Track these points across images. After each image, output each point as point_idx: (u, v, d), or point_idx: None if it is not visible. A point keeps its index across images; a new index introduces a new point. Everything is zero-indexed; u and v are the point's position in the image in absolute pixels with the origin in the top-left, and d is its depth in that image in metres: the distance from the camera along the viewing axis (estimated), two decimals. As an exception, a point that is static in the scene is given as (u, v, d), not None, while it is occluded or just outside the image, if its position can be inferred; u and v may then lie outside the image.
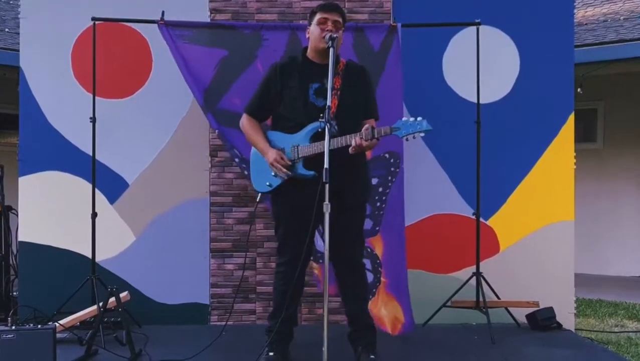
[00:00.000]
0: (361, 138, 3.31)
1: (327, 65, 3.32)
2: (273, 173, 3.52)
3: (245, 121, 3.66)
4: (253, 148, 3.66)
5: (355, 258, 3.62)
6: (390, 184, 4.32)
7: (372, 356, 3.48)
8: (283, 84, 3.53)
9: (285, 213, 3.57)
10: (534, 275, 4.70)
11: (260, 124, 3.66)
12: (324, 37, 3.42)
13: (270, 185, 3.57)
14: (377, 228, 4.32)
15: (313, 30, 3.50)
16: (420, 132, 3.38)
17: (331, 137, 3.25)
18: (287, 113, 3.53)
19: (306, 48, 3.61)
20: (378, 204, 4.32)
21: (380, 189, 4.32)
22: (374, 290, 4.29)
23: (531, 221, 4.78)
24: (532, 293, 4.54)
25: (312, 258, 4.11)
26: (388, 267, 4.31)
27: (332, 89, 3.31)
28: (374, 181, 4.26)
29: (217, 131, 4.42)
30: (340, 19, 3.50)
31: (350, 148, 3.35)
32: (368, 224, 4.21)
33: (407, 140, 3.42)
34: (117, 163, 4.71)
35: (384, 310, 4.27)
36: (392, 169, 4.34)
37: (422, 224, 4.76)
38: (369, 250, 4.26)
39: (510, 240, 4.78)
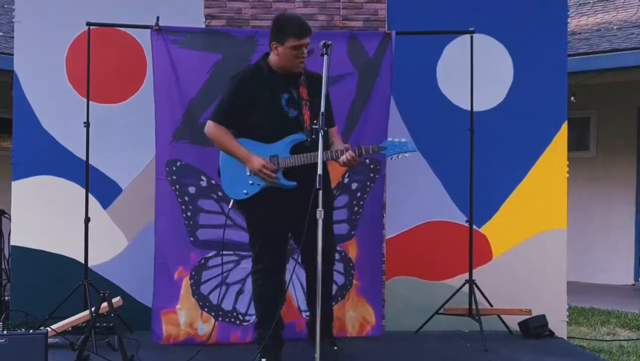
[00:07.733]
0: (352, 154, 3.44)
1: (292, 75, 3.51)
2: (251, 182, 3.53)
3: (214, 129, 3.60)
4: (222, 155, 3.64)
5: (331, 253, 3.68)
6: (368, 189, 4.38)
7: (335, 348, 3.70)
8: (254, 93, 3.54)
9: (263, 221, 3.58)
10: (526, 283, 4.70)
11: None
12: (300, 63, 3.51)
13: (247, 193, 3.56)
14: (353, 232, 4.38)
15: (286, 53, 3.50)
16: (405, 152, 3.56)
17: (310, 147, 3.38)
18: (261, 122, 3.55)
19: (267, 55, 3.62)
20: (356, 208, 4.36)
21: (359, 194, 4.37)
22: (345, 293, 4.36)
23: (524, 229, 4.79)
24: (525, 301, 4.54)
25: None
26: (361, 270, 4.38)
27: (320, 96, 3.31)
28: (354, 186, 4.33)
29: (179, 163, 4.29)
30: (309, 40, 3.54)
31: (340, 161, 3.46)
32: (344, 228, 4.30)
33: (392, 159, 3.60)
34: (111, 168, 4.69)
35: (351, 312, 4.37)
36: (372, 175, 4.40)
37: (415, 231, 4.76)
38: (342, 253, 4.32)
39: (503, 247, 4.79)
